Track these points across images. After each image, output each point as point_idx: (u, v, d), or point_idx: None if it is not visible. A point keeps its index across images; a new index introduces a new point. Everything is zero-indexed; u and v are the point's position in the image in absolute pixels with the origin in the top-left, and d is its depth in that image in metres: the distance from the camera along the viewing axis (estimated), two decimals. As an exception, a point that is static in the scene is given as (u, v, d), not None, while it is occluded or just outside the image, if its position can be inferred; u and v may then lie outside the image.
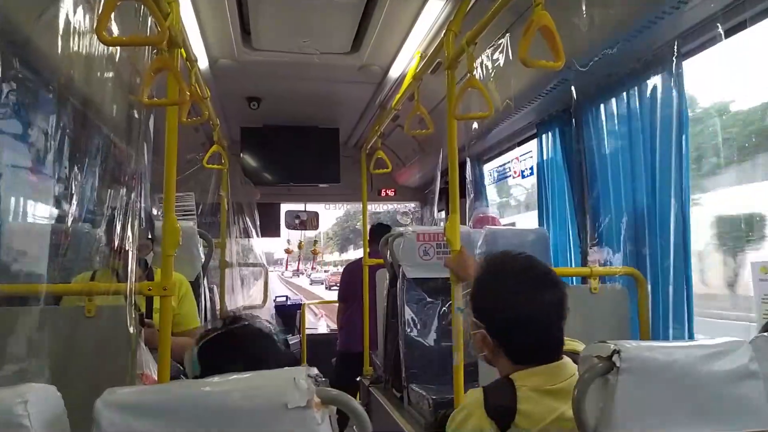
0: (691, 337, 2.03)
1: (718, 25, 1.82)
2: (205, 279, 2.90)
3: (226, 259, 3.74)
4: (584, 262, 2.66)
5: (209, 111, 2.82)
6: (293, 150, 4.51)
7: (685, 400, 1.07)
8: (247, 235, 4.35)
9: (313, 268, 36.76)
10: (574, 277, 2.72)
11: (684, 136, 2.04)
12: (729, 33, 1.84)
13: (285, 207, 5.33)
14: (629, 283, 2.14)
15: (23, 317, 1.49)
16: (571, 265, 2.83)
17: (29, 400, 0.82)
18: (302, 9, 2.52)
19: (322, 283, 30.75)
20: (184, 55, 2.16)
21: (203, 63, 2.96)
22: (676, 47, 2.02)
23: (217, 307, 3.56)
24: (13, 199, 2.37)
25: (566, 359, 1.30)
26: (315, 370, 0.90)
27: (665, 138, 2.10)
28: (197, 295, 2.68)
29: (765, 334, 1.21)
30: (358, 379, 3.60)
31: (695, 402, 1.08)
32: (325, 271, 38.27)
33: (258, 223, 4.47)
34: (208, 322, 2.81)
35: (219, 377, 0.86)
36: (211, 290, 3.28)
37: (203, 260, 2.88)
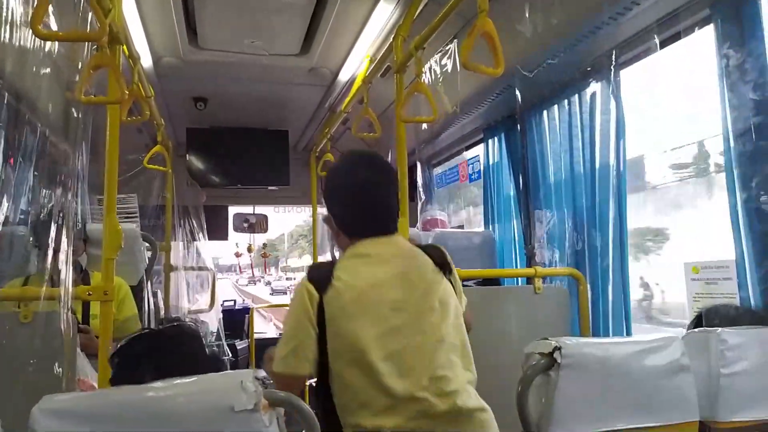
0: (629, 334, 2.12)
1: (655, 36, 1.92)
2: (149, 283, 2.82)
3: (172, 262, 3.64)
4: (529, 264, 2.73)
5: (152, 111, 2.74)
6: (242, 152, 4.43)
7: (622, 393, 1.12)
8: (194, 239, 4.24)
9: (268, 273, 32.95)
10: (519, 278, 2.80)
11: (621, 141, 2.13)
12: (664, 44, 1.94)
13: (233, 210, 5.23)
14: (571, 283, 2.21)
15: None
16: (516, 266, 2.91)
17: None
18: (251, 8, 2.48)
19: (286, 293, 24.94)
20: (127, 52, 2.10)
21: (147, 61, 2.87)
22: (614, 57, 2.11)
23: (162, 312, 3.46)
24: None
25: (399, 236, 1.45)
26: (263, 373, 0.90)
27: (604, 143, 2.19)
28: (140, 300, 2.60)
29: (695, 330, 1.28)
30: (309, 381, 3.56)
31: (632, 395, 1.13)
32: (288, 279, 34.03)
33: (205, 226, 4.37)
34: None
35: (162, 382, 0.84)
36: (155, 295, 3.19)
37: (146, 264, 2.80)
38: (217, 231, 5.07)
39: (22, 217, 2.56)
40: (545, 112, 2.59)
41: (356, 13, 2.51)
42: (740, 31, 1.57)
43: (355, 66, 3.07)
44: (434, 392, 1.15)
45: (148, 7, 2.40)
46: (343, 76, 3.26)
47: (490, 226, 3.21)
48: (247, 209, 5.30)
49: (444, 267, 1.36)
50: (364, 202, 1.42)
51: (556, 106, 2.51)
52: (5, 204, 2.38)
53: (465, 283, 2.06)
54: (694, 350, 1.20)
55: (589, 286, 2.15)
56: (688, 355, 1.19)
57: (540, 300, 2.00)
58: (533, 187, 2.72)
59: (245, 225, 5.23)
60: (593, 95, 2.25)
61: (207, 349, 1.46)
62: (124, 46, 1.83)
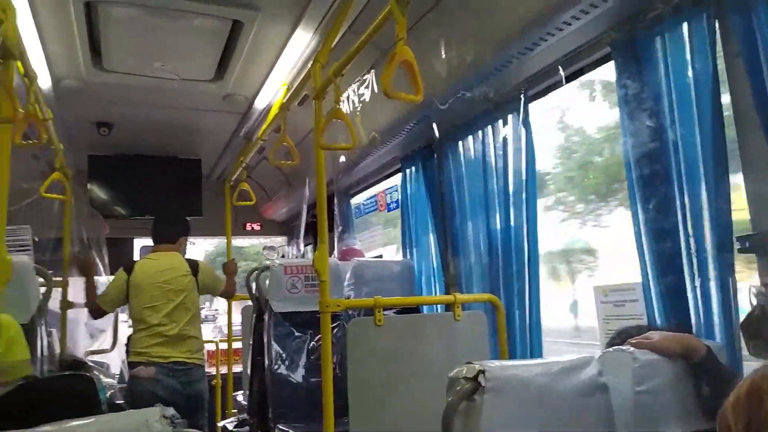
0: (540, 355, 2.18)
1: (561, 70, 2.03)
2: (43, 321, 2.57)
3: (70, 298, 3.35)
4: (447, 291, 2.76)
5: (50, 134, 2.55)
6: (150, 181, 4.24)
7: (545, 414, 1.13)
8: (96, 273, 3.94)
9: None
10: (438, 305, 2.81)
11: (531, 169, 2.22)
12: (569, 78, 2.05)
13: (140, 242, 4.94)
14: (488, 308, 2.25)
15: None
16: (435, 294, 2.93)
17: None
18: (160, 30, 2.40)
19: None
20: (21, 70, 1.94)
21: (45, 82, 2.69)
22: (523, 90, 2.22)
23: (57, 352, 3.16)
24: None
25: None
26: (171, 410, 0.82)
27: (516, 171, 2.27)
28: (32, 339, 2.35)
29: (610, 349, 1.32)
30: (220, 424, 3.37)
31: (554, 415, 1.14)
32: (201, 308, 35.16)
33: (107, 260, 4.09)
34: (44, 371, 2.47)
35: (53, 425, 0.74)
36: (49, 334, 2.91)
37: (40, 300, 2.55)
38: (121, 265, 4.75)
39: None
40: (460, 143, 2.66)
41: (273, 40, 2.49)
42: (637, 65, 1.70)
43: (272, 93, 3.03)
44: None
45: (47, 24, 2.26)
46: (259, 104, 3.21)
47: (408, 254, 3.23)
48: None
49: None
50: None
51: (470, 137, 2.59)
52: None
53: (384, 312, 2.05)
54: (609, 369, 1.24)
55: (505, 309, 2.19)
56: (605, 374, 1.22)
57: (460, 326, 2.01)
58: (450, 215, 2.77)
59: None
60: (505, 126, 2.34)
61: (105, 404, 1.31)
62: (19, 63, 1.69)
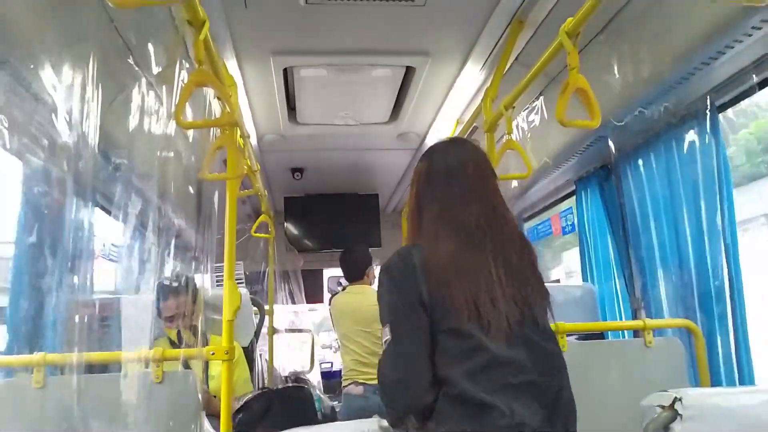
0: (751, 383, 1.97)
1: (753, 76, 1.88)
2: (257, 345, 2.97)
3: (274, 325, 3.81)
4: (635, 316, 2.63)
5: (258, 183, 2.97)
6: (335, 217, 4.63)
7: (755, 447, 1.06)
8: (293, 302, 4.42)
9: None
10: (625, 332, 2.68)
11: (726, 186, 2.06)
12: (762, 84, 1.90)
13: (328, 273, 5.40)
14: (681, 335, 2.11)
15: (98, 383, 1.57)
16: (619, 319, 2.79)
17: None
18: (343, 84, 2.69)
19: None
20: (239, 132, 2.33)
21: (253, 139, 3.14)
22: (710, 100, 2.08)
23: (265, 373, 3.60)
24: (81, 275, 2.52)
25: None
26: (385, 422, 0.94)
27: (709, 188, 2.12)
28: (251, 361, 2.73)
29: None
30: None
31: (766, 449, 1.06)
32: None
33: (303, 289, 4.55)
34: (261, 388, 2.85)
35: (314, 427, 0.90)
36: (260, 356, 3.34)
37: (255, 327, 2.96)
38: (314, 294, 5.24)
39: (147, 286, 2.82)
40: (640, 160, 2.55)
41: (443, 79, 2.64)
42: None
43: (443, 128, 3.18)
44: None
45: (254, 92, 2.66)
46: (431, 139, 3.38)
47: (588, 279, 3.12)
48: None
49: None
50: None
51: (652, 153, 2.47)
52: (137, 275, 2.64)
53: (567, 338, 2.02)
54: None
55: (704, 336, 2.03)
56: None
57: (652, 354, 1.91)
58: (633, 235, 2.64)
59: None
60: (692, 141, 2.20)
61: (320, 412, 1.52)
62: (238, 128, 2.04)
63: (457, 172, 1.35)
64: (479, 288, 1.19)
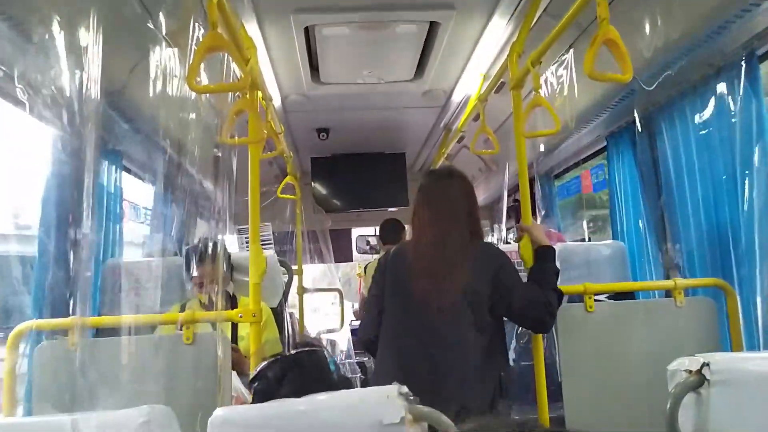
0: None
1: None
2: (286, 305, 3.02)
3: (303, 284, 3.87)
4: (666, 276, 2.57)
5: (283, 145, 2.97)
6: (362, 177, 4.63)
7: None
8: (321, 261, 4.48)
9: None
10: (656, 291, 2.63)
11: (764, 140, 1.96)
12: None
13: (356, 232, 5.44)
14: (714, 295, 2.06)
15: (131, 345, 1.62)
16: (650, 278, 2.73)
17: (151, 420, 0.91)
18: (366, 43, 2.63)
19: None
20: (260, 95, 2.31)
21: (276, 101, 3.12)
22: (749, 51, 1.96)
23: (296, 332, 3.68)
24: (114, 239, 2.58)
25: None
26: (405, 389, 0.95)
27: (746, 143, 2.02)
28: (281, 322, 2.79)
29: None
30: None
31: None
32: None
33: (331, 249, 4.60)
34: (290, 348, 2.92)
35: (322, 394, 0.92)
36: (290, 315, 3.40)
37: (284, 287, 3.00)
38: (342, 253, 5.30)
39: (177, 248, 2.88)
40: (675, 114, 2.44)
41: (468, 34, 2.55)
42: None
43: (469, 85, 3.11)
44: None
45: (276, 51, 2.62)
46: (457, 96, 3.31)
47: (618, 237, 3.06)
48: (368, 231, 5.49)
49: None
50: None
51: (687, 108, 2.36)
52: (163, 237, 2.69)
53: (596, 297, 1.99)
54: None
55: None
56: None
57: (683, 313, 1.88)
58: (667, 193, 2.56)
59: (367, 247, 5.41)
60: (728, 94, 2.09)
61: (335, 374, 1.54)
62: (259, 91, 2.02)
63: None
64: None
